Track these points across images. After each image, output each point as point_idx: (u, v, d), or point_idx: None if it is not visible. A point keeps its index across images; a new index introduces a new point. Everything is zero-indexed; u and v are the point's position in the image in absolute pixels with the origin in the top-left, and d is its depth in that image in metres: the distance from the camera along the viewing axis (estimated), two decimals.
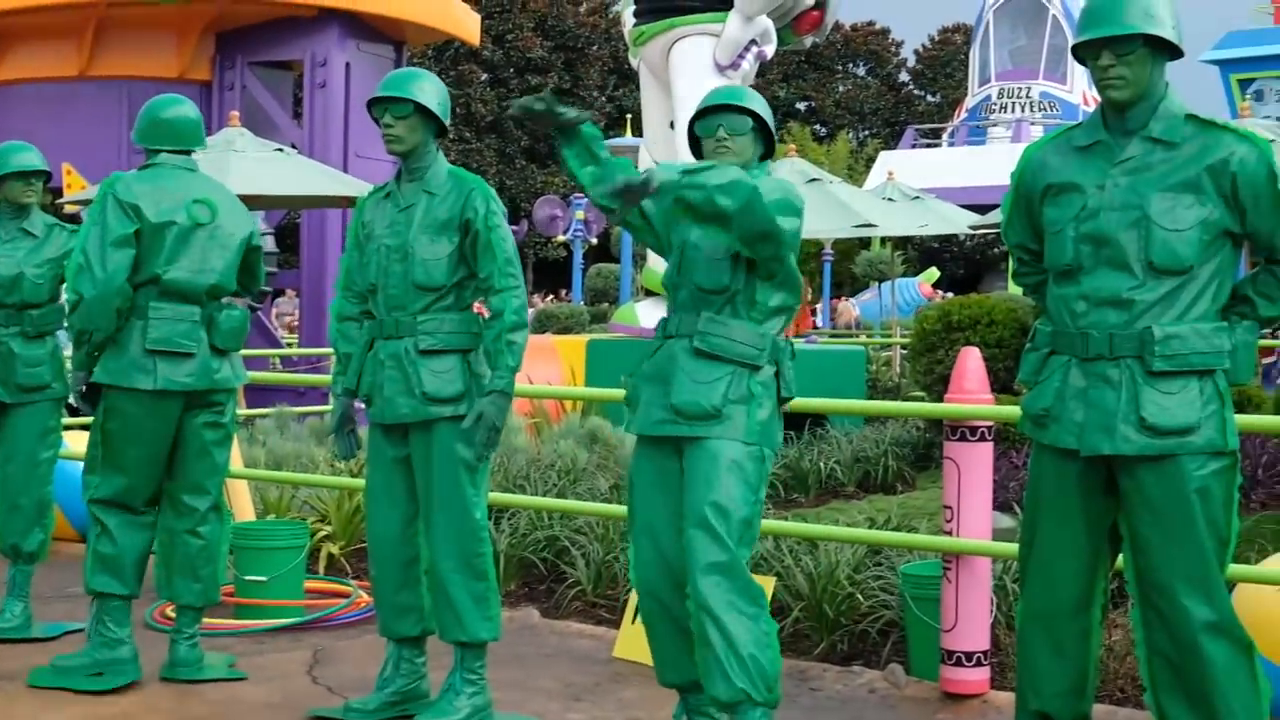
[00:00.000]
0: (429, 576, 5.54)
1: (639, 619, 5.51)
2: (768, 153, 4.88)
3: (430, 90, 5.56)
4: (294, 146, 16.19)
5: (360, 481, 8.16)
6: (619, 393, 6.22)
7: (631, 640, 6.37)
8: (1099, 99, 4.08)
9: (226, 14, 18.68)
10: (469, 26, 20.93)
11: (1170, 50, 3.93)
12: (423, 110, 5.47)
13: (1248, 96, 41.12)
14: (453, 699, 5.40)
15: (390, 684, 5.65)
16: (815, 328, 26.99)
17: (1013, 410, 4.99)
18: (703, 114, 4.73)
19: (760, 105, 4.76)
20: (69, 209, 16.07)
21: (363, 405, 5.62)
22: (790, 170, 17.70)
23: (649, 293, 13.64)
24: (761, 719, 4.51)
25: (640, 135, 16.41)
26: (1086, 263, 3.98)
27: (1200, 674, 3.88)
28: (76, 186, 16.66)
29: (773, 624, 4.64)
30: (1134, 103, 3.96)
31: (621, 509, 7.50)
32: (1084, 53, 4.00)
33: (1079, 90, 41.89)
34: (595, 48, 54.84)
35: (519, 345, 5.39)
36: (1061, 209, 4.05)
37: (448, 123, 5.63)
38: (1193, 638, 3.86)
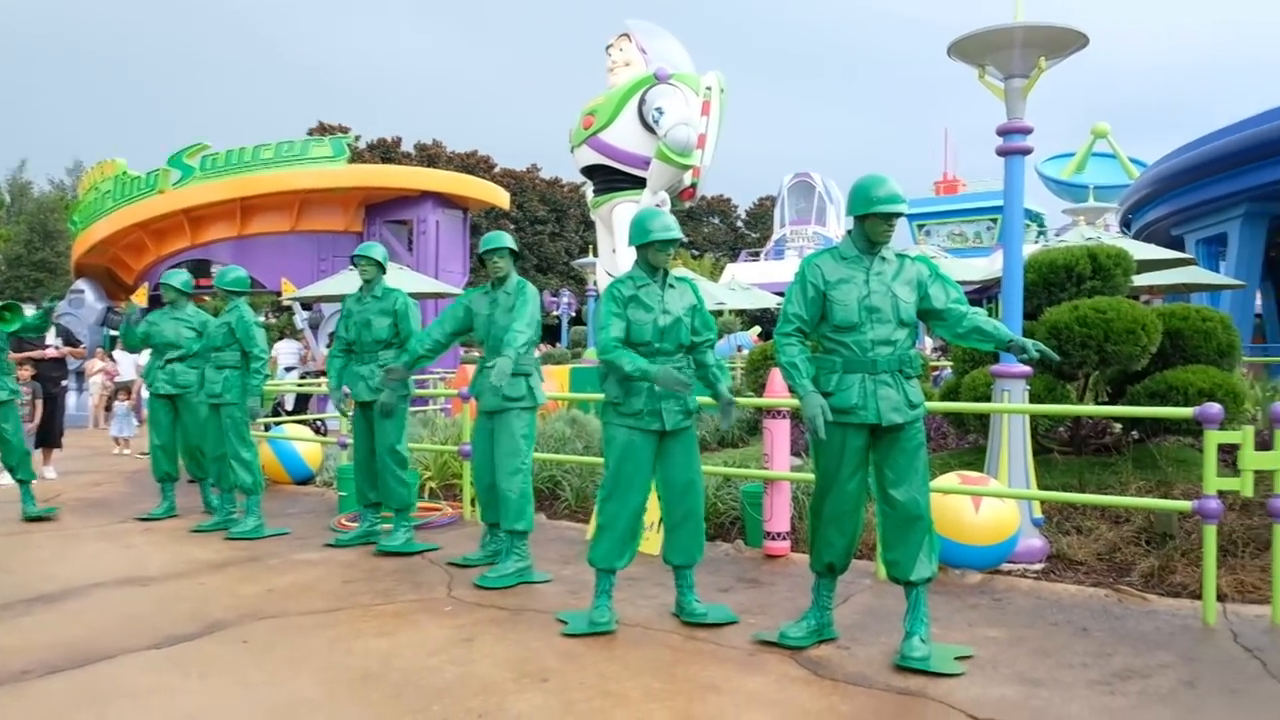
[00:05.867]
0: (492, 492, 5.72)
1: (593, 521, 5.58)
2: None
3: (511, 240, 5.76)
4: (409, 266, 16.05)
5: (445, 447, 8.10)
6: (588, 396, 6.19)
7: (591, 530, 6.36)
8: (845, 233, 4.15)
9: (370, 195, 18.66)
10: (502, 198, 20.90)
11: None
12: (513, 252, 5.71)
13: (920, 235, 41.85)
14: (508, 560, 5.56)
15: (486, 548, 5.95)
16: None
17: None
18: (657, 242, 4.49)
19: (678, 230, 4.60)
20: (285, 301, 16.01)
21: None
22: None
23: None
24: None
25: (597, 256, 16.39)
26: (867, 320, 4.00)
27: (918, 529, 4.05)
28: (288, 290, 16.68)
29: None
30: (883, 243, 4.09)
31: (588, 459, 7.50)
32: (870, 217, 4.02)
33: (834, 230, 42.55)
34: (573, 209, 54.68)
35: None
36: (846, 292, 4.02)
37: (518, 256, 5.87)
38: (918, 513, 4.04)
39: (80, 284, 20.12)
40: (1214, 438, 4.52)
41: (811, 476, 4.49)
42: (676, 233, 4.55)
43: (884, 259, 4.09)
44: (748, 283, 26.10)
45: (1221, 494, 4.59)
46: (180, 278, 7.95)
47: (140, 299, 18.82)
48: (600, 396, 4.67)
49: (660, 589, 5.22)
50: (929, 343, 19.82)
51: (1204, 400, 6.18)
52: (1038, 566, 5.57)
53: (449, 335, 5.84)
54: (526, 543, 5.55)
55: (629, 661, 4.09)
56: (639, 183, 13.03)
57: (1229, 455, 5.47)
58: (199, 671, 4.06)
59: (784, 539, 5.94)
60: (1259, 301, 24.71)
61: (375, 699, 3.72)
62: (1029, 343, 3.96)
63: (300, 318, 17.60)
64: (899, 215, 3.99)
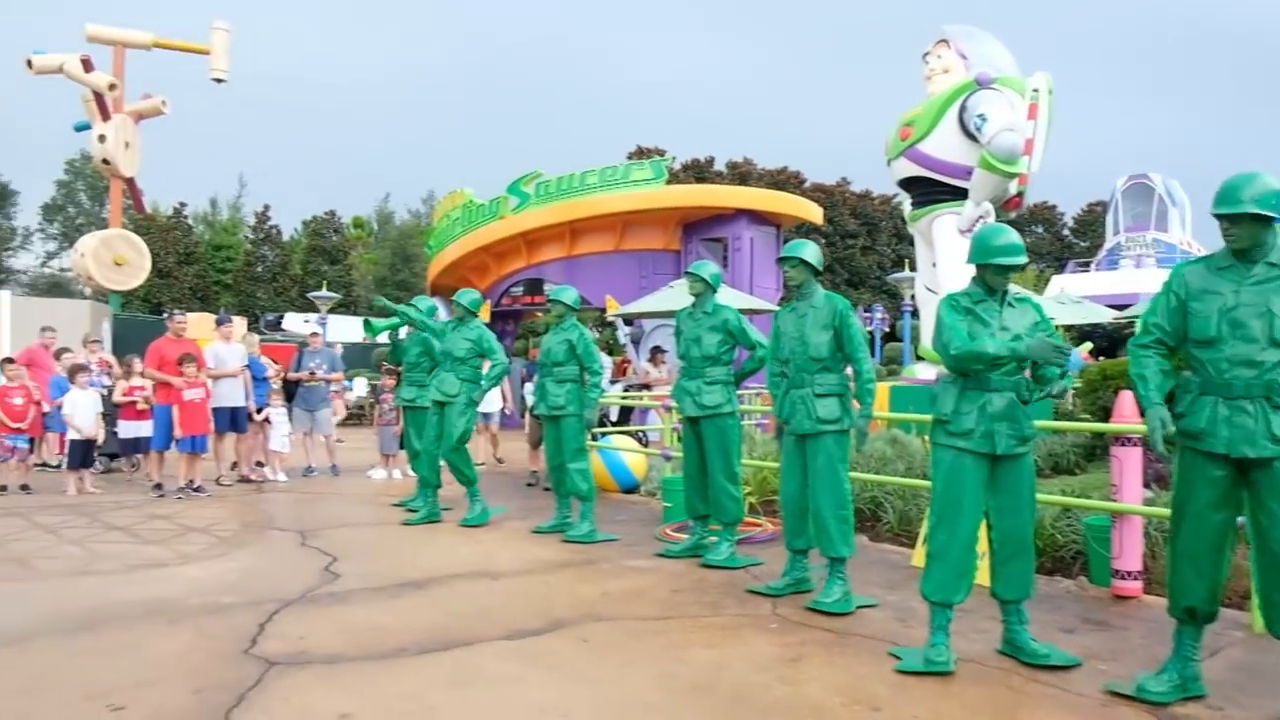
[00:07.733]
0: (814, 517, 5.39)
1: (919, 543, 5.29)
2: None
3: (810, 251, 5.56)
4: (725, 283, 16.36)
5: (765, 463, 8.13)
6: (911, 416, 5.91)
7: (919, 555, 6.07)
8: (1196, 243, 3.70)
9: (687, 215, 19.24)
10: (815, 213, 20.81)
11: (1270, 219, 3.52)
12: (805, 262, 5.49)
13: None
14: (832, 586, 5.31)
15: (788, 575, 5.64)
16: None
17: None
18: (995, 265, 4.25)
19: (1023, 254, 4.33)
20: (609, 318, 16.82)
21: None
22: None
23: (920, 359, 13.17)
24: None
25: (915, 271, 15.89)
26: (1227, 336, 3.56)
27: None
28: (613, 308, 17.49)
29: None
30: (1247, 250, 3.58)
31: (914, 481, 7.21)
32: (1240, 218, 3.56)
33: (1177, 237, 38.28)
34: (884, 222, 53.42)
35: (874, 390, 5.34)
36: (1207, 303, 3.62)
37: (820, 269, 5.59)
38: None
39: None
40: None
41: (1166, 511, 4.08)
42: (1021, 257, 4.28)
43: (1271, 265, 3.58)
44: (1078, 295, 24.14)
45: None
46: (469, 296, 8.51)
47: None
48: (919, 417, 4.50)
49: (994, 623, 4.93)
50: None
51: None
52: None
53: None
54: (846, 567, 5.41)
55: (965, 699, 3.90)
56: (960, 194, 12.49)
57: None
58: (546, 665, 4.33)
59: (1135, 579, 5.42)
60: None
61: (710, 709, 3.79)
62: None
63: (623, 333, 18.47)
64: (1230, 216, 3.53)
